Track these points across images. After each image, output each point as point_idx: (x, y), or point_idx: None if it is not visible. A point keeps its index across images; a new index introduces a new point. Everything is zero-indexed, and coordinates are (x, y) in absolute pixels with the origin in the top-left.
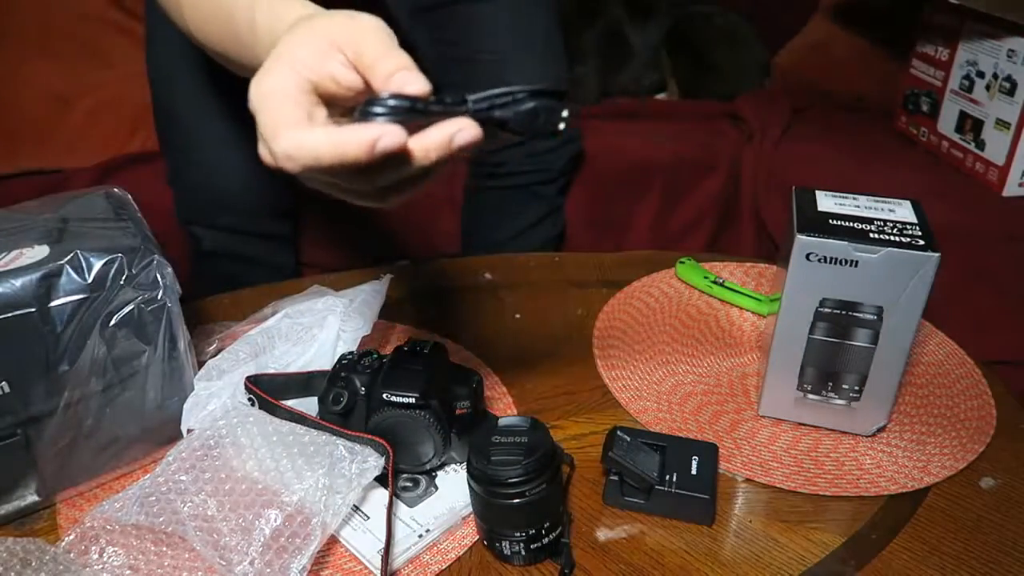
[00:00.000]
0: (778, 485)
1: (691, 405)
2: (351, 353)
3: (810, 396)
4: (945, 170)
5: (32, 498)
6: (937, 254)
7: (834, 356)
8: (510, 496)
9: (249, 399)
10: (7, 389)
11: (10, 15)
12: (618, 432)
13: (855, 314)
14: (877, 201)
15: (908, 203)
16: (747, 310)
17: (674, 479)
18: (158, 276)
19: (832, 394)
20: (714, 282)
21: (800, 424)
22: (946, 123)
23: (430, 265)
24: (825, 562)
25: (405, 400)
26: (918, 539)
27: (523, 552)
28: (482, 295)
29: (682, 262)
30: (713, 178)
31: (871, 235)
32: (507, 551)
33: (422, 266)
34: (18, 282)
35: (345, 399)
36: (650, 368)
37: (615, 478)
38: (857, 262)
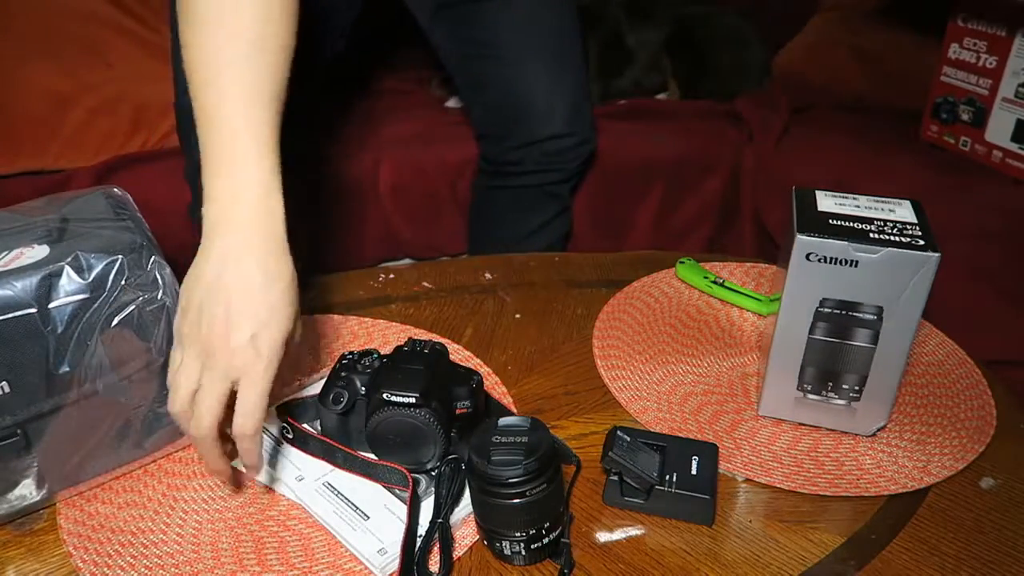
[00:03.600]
0: (778, 485)
1: (691, 405)
2: (351, 353)
3: (810, 396)
4: (946, 169)
5: (32, 498)
6: (937, 254)
7: (834, 356)
8: (510, 496)
9: (285, 427)
10: (7, 389)
11: (10, 15)
12: (618, 432)
13: (855, 314)
14: (877, 201)
15: (908, 203)
16: (747, 310)
17: (674, 479)
18: (158, 276)
19: (832, 394)
20: (714, 282)
21: (800, 424)
22: (998, 133)
23: (431, 265)
24: (825, 562)
25: (405, 400)
26: (918, 539)
27: (523, 552)
28: (482, 295)
29: (682, 262)
30: (713, 178)
31: (871, 235)
32: (507, 551)
33: (422, 266)
34: (18, 283)
35: (345, 399)
36: (650, 368)
37: (615, 478)
38: (857, 262)
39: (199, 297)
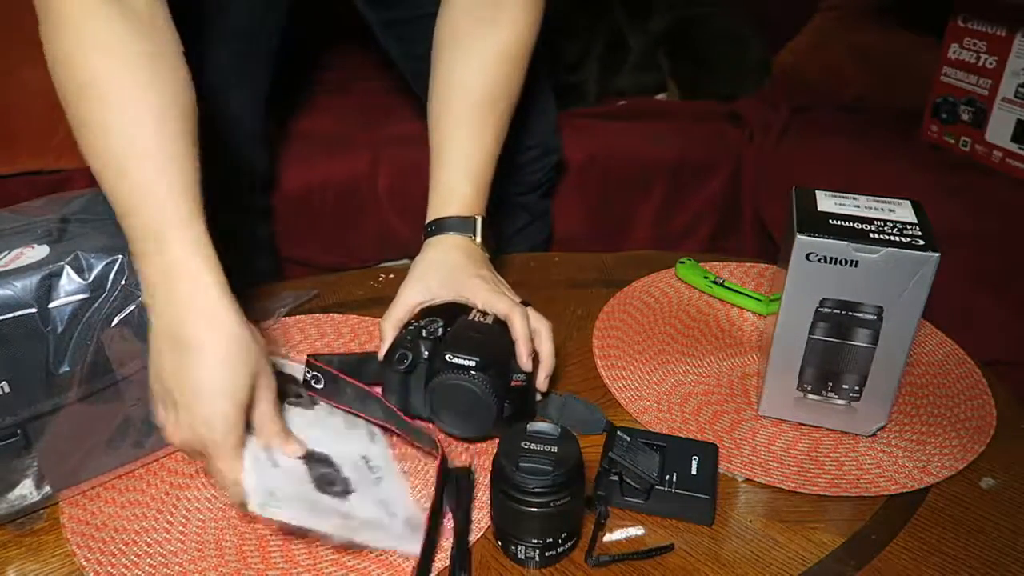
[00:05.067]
0: (778, 485)
1: (691, 405)
2: (418, 320)
3: (810, 396)
4: (946, 169)
5: (32, 498)
6: (937, 254)
7: (834, 356)
8: (532, 505)
9: (314, 376)
10: (7, 389)
11: (10, 15)
12: (618, 432)
13: (855, 314)
14: (877, 201)
15: (908, 203)
16: (747, 310)
17: (674, 479)
18: None
19: (832, 394)
20: (714, 282)
21: (800, 424)
22: (998, 133)
23: None
24: (825, 562)
25: (465, 363)
26: (918, 539)
27: (537, 559)
28: None
29: (682, 262)
30: (714, 178)
31: (871, 235)
32: (521, 555)
33: None
34: (18, 283)
35: (409, 360)
36: (650, 368)
37: (615, 478)
38: (857, 262)
39: (157, 389)
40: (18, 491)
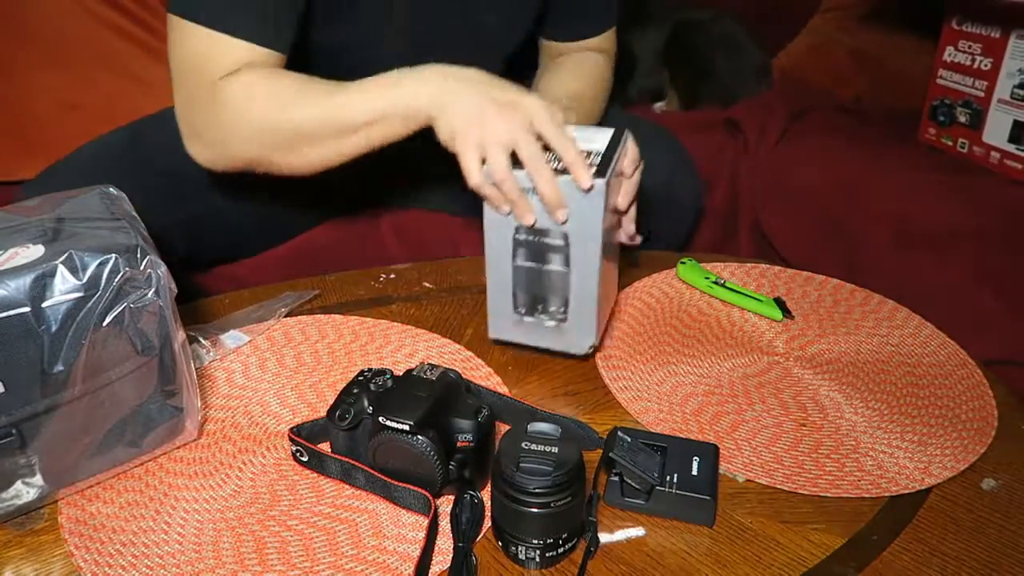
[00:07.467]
0: (779, 486)
1: (692, 406)
2: (369, 370)
3: (526, 318)
4: (945, 170)
5: (28, 497)
6: (602, 179)
7: (536, 280)
8: (533, 505)
9: (297, 450)
10: (1, 389)
11: (21, 24)
12: (619, 433)
13: (546, 240)
14: (580, 131)
15: (611, 132)
16: (748, 311)
17: (675, 480)
18: (152, 275)
19: (543, 316)
20: (715, 283)
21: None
22: (995, 134)
23: (431, 265)
24: (826, 563)
25: (399, 426)
26: (919, 540)
27: (537, 559)
28: (483, 295)
29: (683, 263)
30: (713, 188)
31: (551, 165)
32: (521, 555)
33: (423, 266)
34: (12, 282)
35: (351, 416)
36: (651, 368)
37: (616, 478)
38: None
39: (459, 100)
40: (14, 491)
